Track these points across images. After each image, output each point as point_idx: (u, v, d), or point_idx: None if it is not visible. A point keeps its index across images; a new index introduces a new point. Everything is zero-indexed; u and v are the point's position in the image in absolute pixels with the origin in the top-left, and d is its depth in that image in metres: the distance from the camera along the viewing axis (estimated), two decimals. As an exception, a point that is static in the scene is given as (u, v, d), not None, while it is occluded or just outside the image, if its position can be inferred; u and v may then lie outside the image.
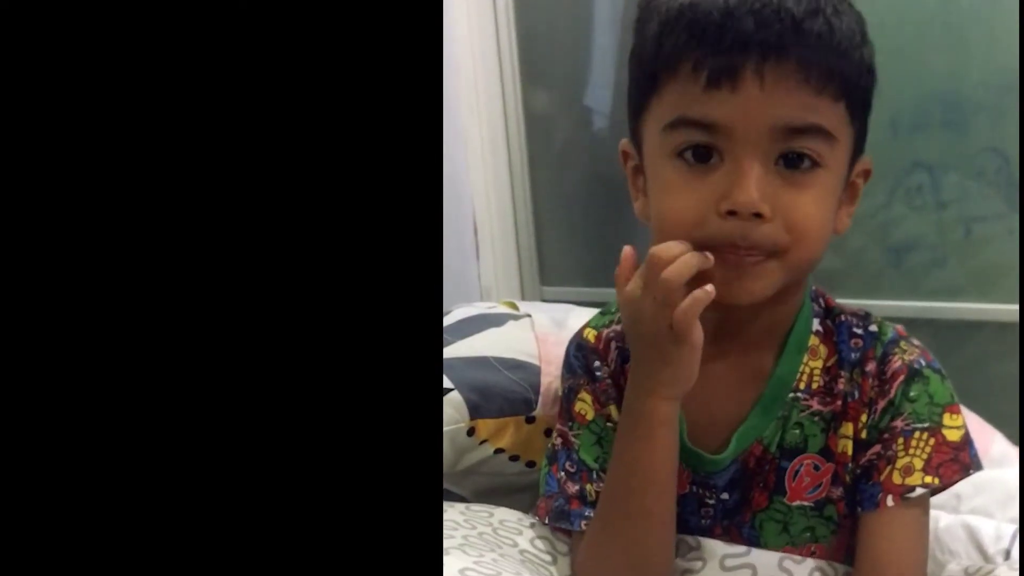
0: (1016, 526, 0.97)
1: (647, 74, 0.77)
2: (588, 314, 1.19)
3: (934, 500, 1.03)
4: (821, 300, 0.85)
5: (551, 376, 1.05)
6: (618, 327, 0.89)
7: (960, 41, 1.43)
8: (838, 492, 0.82)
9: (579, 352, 0.89)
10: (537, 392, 1.05)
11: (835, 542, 0.83)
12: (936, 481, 0.78)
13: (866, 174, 0.82)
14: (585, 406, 0.87)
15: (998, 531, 0.97)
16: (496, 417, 1.03)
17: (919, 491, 0.77)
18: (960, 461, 0.78)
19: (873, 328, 0.83)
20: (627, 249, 0.76)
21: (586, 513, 0.84)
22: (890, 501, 0.77)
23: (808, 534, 0.83)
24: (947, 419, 0.79)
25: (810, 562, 0.82)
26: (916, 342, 0.83)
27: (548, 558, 0.87)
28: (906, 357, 0.80)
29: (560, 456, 0.88)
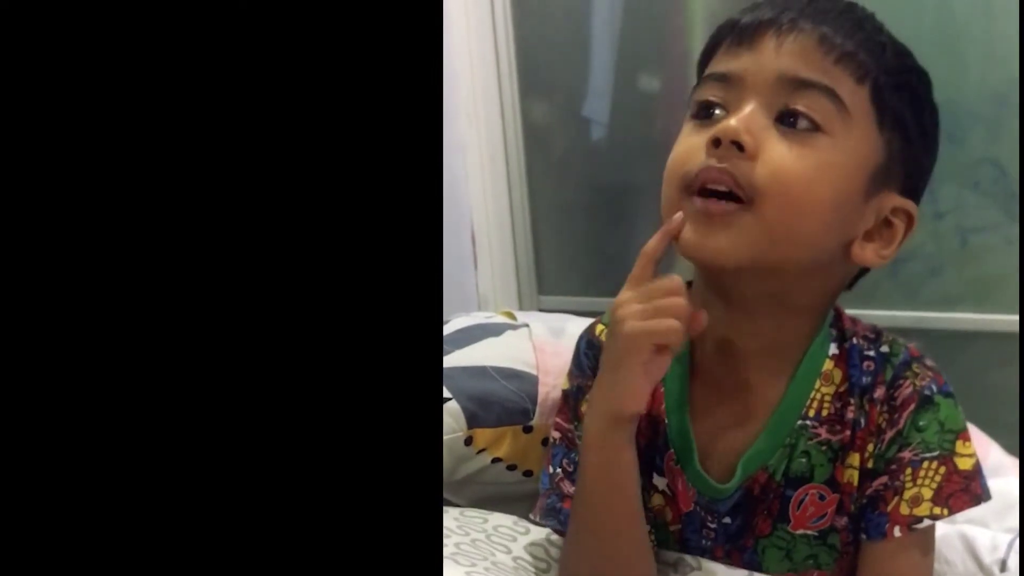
0: (1012, 535, 0.97)
1: (698, 72, 0.82)
2: (586, 324, 1.19)
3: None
4: (839, 323, 0.83)
5: (549, 386, 1.06)
6: None
7: (957, 54, 1.43)
8: (842, 521, 0.80)
9: (590, 351, 0.87)
10: (535, 402, 1.06)
11: (838, 569, 0.82)
12: (945, 512, 0.76)
13: (908, 219, 0.79)
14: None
15: (994, 541, 0.97)
16: (494, 426, 1.04)
17: (926, 522, 0.76)
18: (971, 491, 0.77)
19: (884, 349, 0.81)
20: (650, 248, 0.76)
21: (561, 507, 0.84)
22: (897, 531, 0.76)
23: (811, 561, 0.82)
24: (959, 447, 0.77)
25: None
26: (929, 363, 0.80)
27: (543, 565, 0.87)
28: (917, 383, 0.78)
29: (558, 453, 0.86)
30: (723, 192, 0.73)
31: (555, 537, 0.89)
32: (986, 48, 1.43)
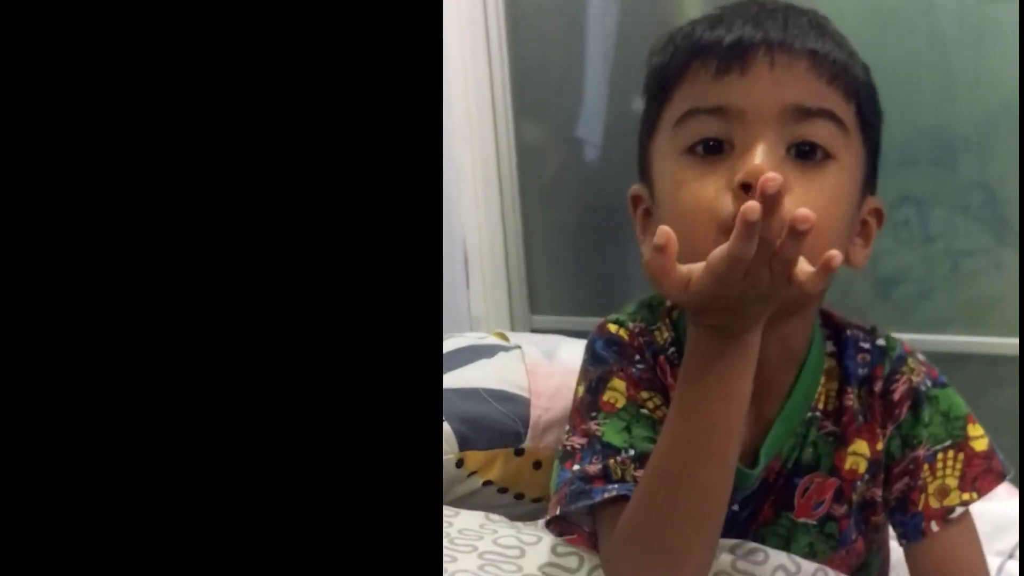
0: (1001, 559, 0.98)
1: (658, 89, 0.78)
2: (579, 346, 1.19)
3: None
4: (829, 321, 0.84)
5: (541, 408, 1.06)
6: (640, 324, 0.84)
7: (947, 78, 1.45)
8: (842, 510, 0.81)
9: (611, 346, 0.84)
10: (526, 425, 1.06)
11: (837, 560, 0.82)
12: (974, 496, 0.78)
13: (878, 215, 0.81)
14: (615, 394, 0.81)
15: (985, 564, 0.97)
16: (485, 449, 1.04)
17: (959, 510, 0.78)
18: (994, 470, 0.79)
19: (881, 342, 0.82)
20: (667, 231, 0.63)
21: (609, 487, 0.76)
22: (935, 526, 0.77)
23: (808, 549, 0.82)
24: (971, 430, 0.79)
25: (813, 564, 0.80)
26: (922, 357, 0.82)
27: (514, 552, 0.85)
28: (914, 378, 0.80)
29: (585, 453, 0.79)
30: None
31: (525, 536, 0.86)
32: (976, 73, 1.44)
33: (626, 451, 0.78)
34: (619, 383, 0.81)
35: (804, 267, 0.62)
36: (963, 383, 1.50)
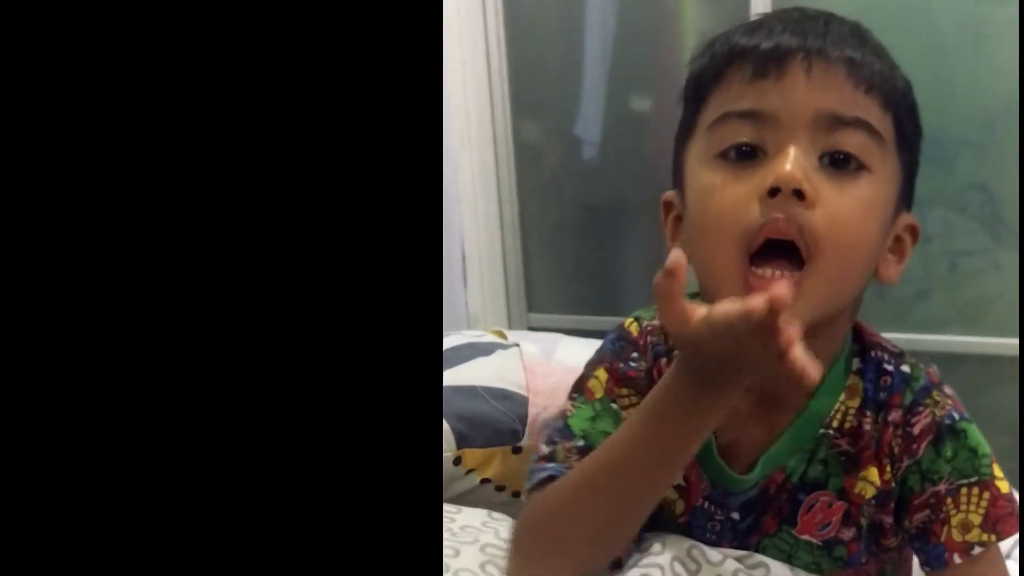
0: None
1: (694, 94, 0.77)
2: (577, 344, 1.20)
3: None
4: (859, 336, 0.82)
5: (538, 407, 1.06)
6: (657, 322, 0.84)
7: (945, 79, 1.45)
8: (850, 533, 0.79)
9: (619, 340, 0.85)
10: (524, 423, 1.06)
11: None
12: (993, 538, 0.76)
13: (913, 233, 0.79)
14: (597, 383, 0.82)
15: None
16: (483, 447, 1.04)
17: (978, 549, 0.76)
18: (1015, 514, 0.77)
19: (905, 368, 0.79)
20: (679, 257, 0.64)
21: (548, 467, 0.79)
22: (957, 559, 0.76)
23: (814, 567, 0.81)
24: (995, 470, 0.77)
25: None
26: (948, 390, 0.79)
27: None
28: (937, 412, 0.77)
29: (553, 432, 0.83)
30: (782, 242, 0.71)
31: None
32: (974, 74, 1.44)
33: (577, 440, 0.80)
34: (603, 374, 0.83)
35: (799, 354, 0.62)
36: (961, 383, 1.51)
